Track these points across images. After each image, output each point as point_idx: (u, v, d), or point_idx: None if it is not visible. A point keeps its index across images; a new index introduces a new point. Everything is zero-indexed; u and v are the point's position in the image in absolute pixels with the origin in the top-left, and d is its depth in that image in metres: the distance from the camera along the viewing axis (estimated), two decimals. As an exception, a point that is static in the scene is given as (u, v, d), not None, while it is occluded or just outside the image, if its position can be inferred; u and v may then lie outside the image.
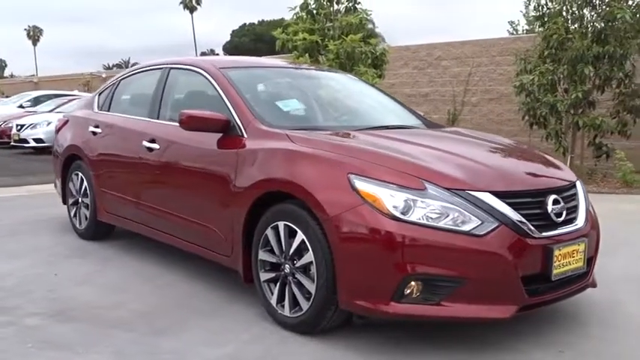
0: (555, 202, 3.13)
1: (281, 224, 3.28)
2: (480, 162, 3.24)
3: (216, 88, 4.02)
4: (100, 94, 5.49)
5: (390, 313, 2.89)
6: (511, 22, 23.28)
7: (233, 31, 62.74)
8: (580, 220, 3.24)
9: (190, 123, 3.77)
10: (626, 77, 9.18)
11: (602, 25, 8.99)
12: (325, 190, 3.07)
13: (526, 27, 22.18)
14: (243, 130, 3.68)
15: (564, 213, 3.15)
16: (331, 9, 9.23)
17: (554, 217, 3.09)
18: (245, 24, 63.21)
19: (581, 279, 3.25)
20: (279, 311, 3.34)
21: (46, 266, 4.56)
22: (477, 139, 3.93)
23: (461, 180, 3.00)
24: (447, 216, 2.86)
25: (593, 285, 3.39)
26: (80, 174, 5.31)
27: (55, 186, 6.00)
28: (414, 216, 2.86)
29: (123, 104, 5.17)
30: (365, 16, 9.19)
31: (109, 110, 5.24)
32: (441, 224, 2.85)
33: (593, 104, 9.51)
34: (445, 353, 3.02)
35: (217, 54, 60.40)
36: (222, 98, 3.92)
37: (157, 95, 4.56)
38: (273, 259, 3.37)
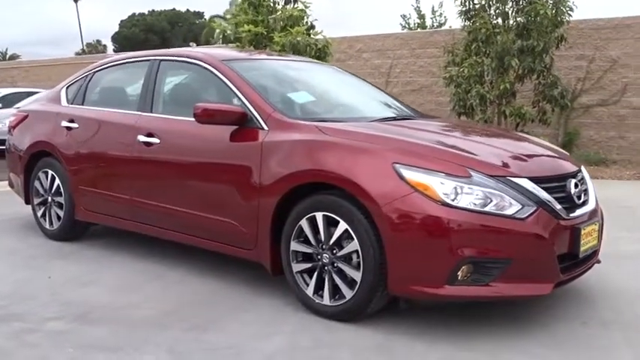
0: (575, 185, 3.40)
1: (319, 215, 3.33)
2: (509, 150, 3.46)
3: (223, 81, 3.98)
4: (67, 88, 5.23)
5: (444, 296, 3.04)
6: (403, 16, 24.36)
7: (121, 22, 60.36)
8: (592, 202, 3.54)
9: (206, 116, 3.73)
10: (546, 69, 9.86)
11: (525, 20, 9.58)
12: (372, 180, 3.16)
13: (417, 20, 23.10)
14: (263, 123, 3.68)
15: (582, 195, 3.44)
16: (272, 1, 9.23)
17: (576, 200, 3.36)
18: (134, 14, 60.92)
19: (595, 255, 3.56)
20: (317, 301, 3.40)
21: (30, 270, 4.33)
22: (483, 129, 4.15)
23: (501, 167, 3.19)
24: (491, 201, 3.04)
25: (599, 261, 3.71)
26: (50, 171, 5.05)
27: (12, 185, 5.65)
28: (463, 202, 3.02)
29: (101, 98, 4.96)
30: (304, 7, 9.27)
31: (82, 104, 5.01)
32: (487, 209, 3.02)
33: (514, 94, 10.15)
34: (477, 328, 3.22)
35: (105, 45, 57.95)
36: (234, 91, 3.90)
37: (147, 88, 4.43)
38: (308, 250, 3.42)
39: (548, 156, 3.60)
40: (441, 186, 3.04)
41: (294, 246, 3.47)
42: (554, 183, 3.31)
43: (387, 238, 3.09)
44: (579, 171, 3.65)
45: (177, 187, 4.09)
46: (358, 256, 3.21)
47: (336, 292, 3.34)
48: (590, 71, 11.11)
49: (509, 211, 3.05)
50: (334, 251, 3.32)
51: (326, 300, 3.36)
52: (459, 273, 3.01)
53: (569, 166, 3.56)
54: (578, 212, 3.34)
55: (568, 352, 2.98)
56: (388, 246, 3.09)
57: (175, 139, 4.10)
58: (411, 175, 3.09)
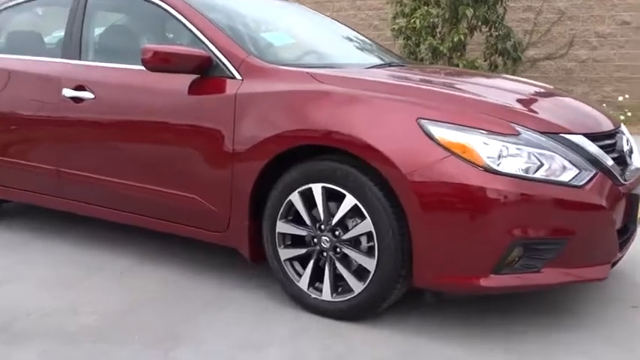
0: (627, 142, 2.80)
1: (316, 187, 2.58)
2: (548, 102, 2.81)
3: (177, 18, 3.11)
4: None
5: (489, 288, 2.38)
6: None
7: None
8: (638, 162, 2.95)
9: (158, 61, 2.86)
10: (499, 20, 9.34)
11: (479, -34, 8.97)
12: (392, 142, 2.42)
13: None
14: (235, 70, 2.86)
15: (631, 155, 2.84)
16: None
17: (628, 160, 2.75)
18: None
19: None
20: (314, 296, 2.67)
21: None
22: (499, 76, 3.48)
23: (553, 122, 2.53)
24: (542, 165, 2.38)
25: None
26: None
27: None
28: (511, 168, 2.34)
29: (10, 43, 3.92)
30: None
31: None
32: (539, 175, 2.36)
33: (464, 47, 9.60)
34: (518, 320, 2.60)
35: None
36: (191, 30, 3.04)
37: (72, 30, 3.47)
38: (300, 232, 2.67)
39: (590, 108, 2.96)
40: (485, 147, 2.35)
41: (282, 227, 2.71)
42: (608, 140, 2.68)
43: (414, 216, 2.38)
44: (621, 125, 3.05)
45: (119, 155, 3.21)
46: (371, 240, 2.50)
47: (338, 284, 2.62)
48: (538, 23, 10.71)
49: (564, 177, 2.39)
50: (337, 233, 2.58)
51: (326, 295, 2.64)
52: (510, 258, 2.34)
53: (613, 120, 2.94)
54: (631, 175, 2.73)
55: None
56: (415, 227, 2.38)
57: (115, 93, 3.20)
58: (444, 133, 2.38)
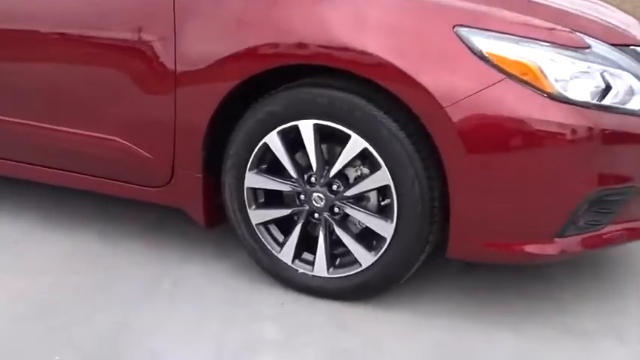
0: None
1: (306, 125, 1.84)
2: (608, 11, 2.18)
3: None
4: None
5: (552, 255, 1.79)
6: None
7: None
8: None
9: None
10: None
11: None
12: (423, 60, 1.71)
13: None
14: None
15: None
16: None
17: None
18: None
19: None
20: (301, 271, 1.98)
21: None
22: None
23: (624, 33, 1.91)
24: (611, 89, 1.77)
25: None
26: None
27: None
28: (583, 94, 1.72)
29: None
30: None
31: None
32: (612, 102, 1.76)
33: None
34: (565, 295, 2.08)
35: None
36: None
37: None
38: (280, 186, 1.94)
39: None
40: (552, 66, 1.69)
41: (252, 180, 1.97)
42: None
43: (455, 164, 1.71)
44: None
45: (9, 84, 2.26)
46: (385, 197, 1.82)
47: (334, 257, 1.94)
48: None
49: (633, 105, 1.80)
50: (335, 188, 1.88)
51: (320, 269, 1.96)
52: (578, 215, 1.76)
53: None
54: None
55: None
56: (456, 179, 1.72)
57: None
58: (496, 48, 1.69)
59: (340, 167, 1.85)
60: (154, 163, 2.09)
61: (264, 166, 1.97)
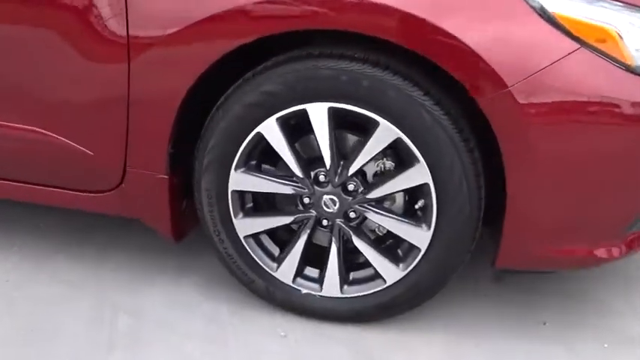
0: None
1: (318, 109, 1.41)
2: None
3: None
4: None
5: (620, 256, 1.51)
6: None
7: None
8: None
9: None
10: None
11: None
12: (480, 24, 1.32)
13: None
14: None
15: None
16: None
17: None
18: None
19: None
20: (305, 291, 1.58)
21: None
22: None
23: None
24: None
25: None
26: None
27: None
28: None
29: None
30: None
31: None
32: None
33: None
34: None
35: None
36: None
37: None
38: (282, 188, 1.50)
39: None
40: (632, 32, 1.36)
41: (240, 181, 1.52)
42: None
43: (519, 156, 1.35)
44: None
45: None
46: (420, 197, 1.44)
47: (347, 272, 1.55)
48: None
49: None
50: (353, 189, 1.47)
51: (330, 289, 1.57)
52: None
53: None
54: None
55: None
56: (518, 174, 1.37)
57: None
58: (570, 9, 1.33)
59: (364, 162, 1.44)
60: (96, 161, 1.56)
61: (254, 163, 1.52)
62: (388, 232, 1.53)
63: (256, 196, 1.56)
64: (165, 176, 1.54)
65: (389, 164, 1.48)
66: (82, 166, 1.58)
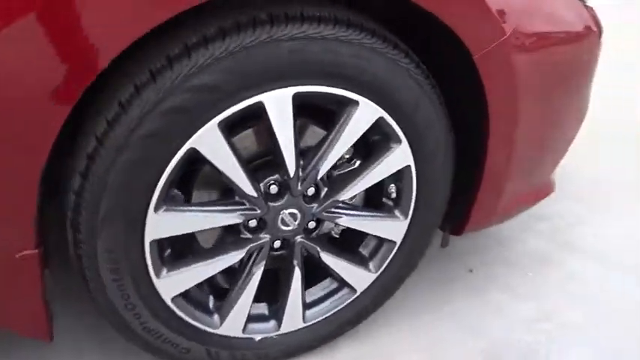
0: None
1: (279, 98, 0.96)
2: None
3: None
4: None
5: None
6: None
7: None
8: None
9: None
10: None
11: None
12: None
13: None
14: None
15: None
16: None
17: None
18: None
19: None
20: (260, 337, 1.20)
21: None
22: None
23: None
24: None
25: None
26: None
27: None
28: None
29: None
30: None
31: None
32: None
33: None
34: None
35: None
36: None
37: None
38: (228, 219, 1.05)
39: None
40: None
41: (163, 224, 0.99)
42: None
43: (504, 105, 1.16)
44: None
45: None
46: (401, 182, 1.15)
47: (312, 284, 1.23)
48: None
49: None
50: (312, 193, 1.10)
51: (292, 322, 1.21)
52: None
53: None
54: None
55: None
56: (499, 125, 1.18)
57: None
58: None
59: (338, 156, 1.06)
60: None
61: (177, 192, 1.01)
62: (342, 231, 1.22)
63: (173, 238, 1.04)
64: (35, 250, 0.91)
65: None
66: None
